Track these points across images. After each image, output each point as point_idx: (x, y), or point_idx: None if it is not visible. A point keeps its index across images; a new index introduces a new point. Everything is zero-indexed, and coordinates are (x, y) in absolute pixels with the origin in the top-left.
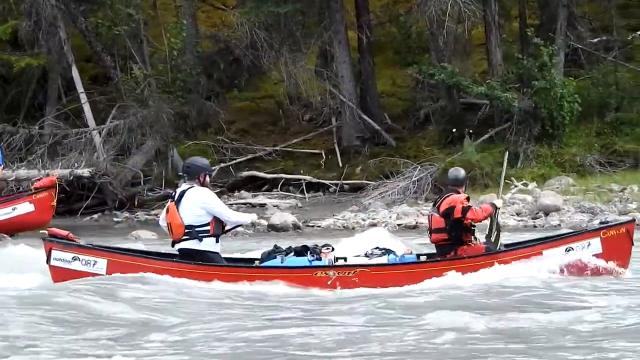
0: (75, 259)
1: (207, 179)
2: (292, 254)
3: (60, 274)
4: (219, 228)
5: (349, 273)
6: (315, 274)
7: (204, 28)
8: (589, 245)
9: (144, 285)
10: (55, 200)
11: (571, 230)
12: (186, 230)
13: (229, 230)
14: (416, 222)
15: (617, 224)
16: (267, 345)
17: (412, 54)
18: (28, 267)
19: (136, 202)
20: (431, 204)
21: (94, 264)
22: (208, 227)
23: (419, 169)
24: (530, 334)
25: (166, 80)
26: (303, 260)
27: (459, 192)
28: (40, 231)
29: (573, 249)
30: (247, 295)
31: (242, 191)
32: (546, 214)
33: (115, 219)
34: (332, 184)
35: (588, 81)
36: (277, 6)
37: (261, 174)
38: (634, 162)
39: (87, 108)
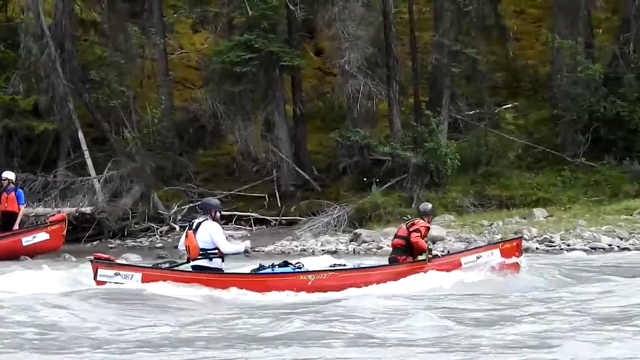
0: (117, 274)
1: (217, 214)
2: (277, 267)
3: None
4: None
5: (323, 276)
6: (299, 277)
7: (178, 102)
8: (492, 254)
9: (171, 293)
10: (65, 231)
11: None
12: (200, 252)
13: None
14: (335, 248)
15: (510, 239)
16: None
17: (334, 122)
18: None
19: (126, 232)
20: (347, 235)
21: (131, 277)
22: (216, 250)
23: (338, 208)
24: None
25: (149, 141)
26: (288, 269)
27: (424, 219)
28: (87, 257)
29: (482, 256)
30: (249, 296)
31: None
32: (434, 242)
33: (110, 245)
34: (273, 219)
35: (465, 143)
36: (232, 86)
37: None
38: (499, 204)
39: (89, 162)
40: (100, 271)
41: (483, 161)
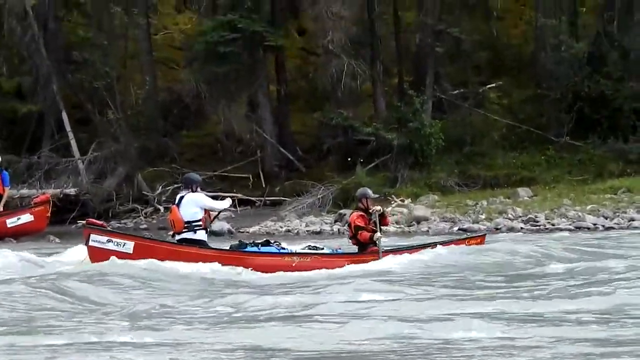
0: (109, 241)
1: (198, 189)
2: (260, 245)
3: (96, 253)
4: (207, 223)
5: (307, 258)
6: (284, 259)
7: (161, 82)
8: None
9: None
10: (49, 212)
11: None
12: (185, 225)
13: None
14: (320, 229)
15: (476, 236)
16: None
17: (318, 102)
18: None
19: (110, 214)
20: (332, 215)
21: (123, 245)
22: (200, 222)
23: (322, 189)
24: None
25: (133, 122)
26: (273, 248)
27: (360, 206)
28: (79, 222)
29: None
30: (235, 272)
31: None
32: (418, 223)
33: None
34: (257, 200)
35: (449, 123)
36: (216, 67)
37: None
38: (483, 184)
39: (73, 143)
40: (93, 237)
41: (467, 141)
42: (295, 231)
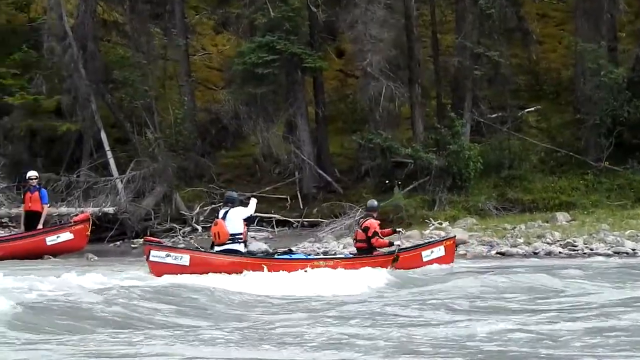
0: (167, 256)
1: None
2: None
3: (157, 267)
4: (247, 235)
5: (329, 262)
6: (314, 263)
7: (200, 103)
8: (439, 249)
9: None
10: (89, 231)
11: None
12: (230, 237)
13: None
14: None
15: (448, 237)
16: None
17: (356, 124)
18: None
19: (148, 233)
20: None
21: (180, 259)
22: (242, 235)
23: (360, 211)
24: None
25: (171, 142)
26: (301, 255)
27: (373, 216)
28: (138, 240)
29: (433, 251)
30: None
31: None
32: (457, 245)
33: (132, 246)
34: (295, 221)
35: (488, 146)
36: (255, 88)
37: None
38: (522, 208)
39: (112, 162)
40: (153, 252)
41: (505, 164)
42: (333, 252)
